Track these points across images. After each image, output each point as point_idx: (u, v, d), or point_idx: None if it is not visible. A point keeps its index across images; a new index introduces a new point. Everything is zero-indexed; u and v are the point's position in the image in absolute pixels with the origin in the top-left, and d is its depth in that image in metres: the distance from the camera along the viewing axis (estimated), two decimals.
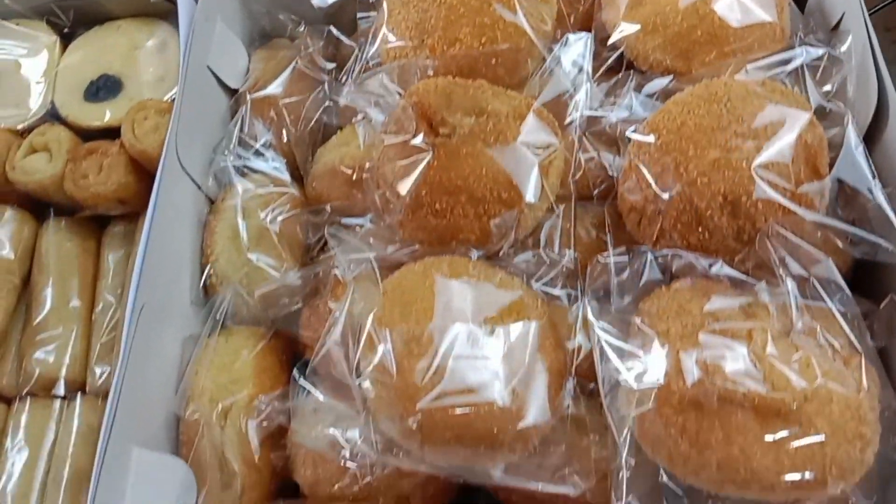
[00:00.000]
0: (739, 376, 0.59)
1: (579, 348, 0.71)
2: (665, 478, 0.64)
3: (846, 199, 0.70)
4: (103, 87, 0.91)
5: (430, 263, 0.70)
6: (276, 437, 0.76)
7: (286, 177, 0.85)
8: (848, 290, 0.64)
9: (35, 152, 0.88)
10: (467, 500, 0.75)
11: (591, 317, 0.66)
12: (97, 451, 0.66)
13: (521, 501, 0.72)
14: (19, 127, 0.91)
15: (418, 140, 0.72)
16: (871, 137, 0.73)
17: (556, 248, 0.75)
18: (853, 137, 0.69)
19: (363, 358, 0.67)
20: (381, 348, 0.65)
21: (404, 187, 0.72)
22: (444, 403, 0.63)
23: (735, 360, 0.60)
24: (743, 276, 0.66)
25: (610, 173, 0.77)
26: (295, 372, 0.72)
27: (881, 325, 0.66)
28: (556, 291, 0.73)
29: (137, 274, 0.73)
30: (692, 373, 0.60)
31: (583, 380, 0.71)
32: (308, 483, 0.74)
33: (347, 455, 0.69)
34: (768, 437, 0.59)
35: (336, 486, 0.72)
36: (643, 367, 0.62)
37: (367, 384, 0.66)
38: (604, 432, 0.69)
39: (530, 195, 0.70)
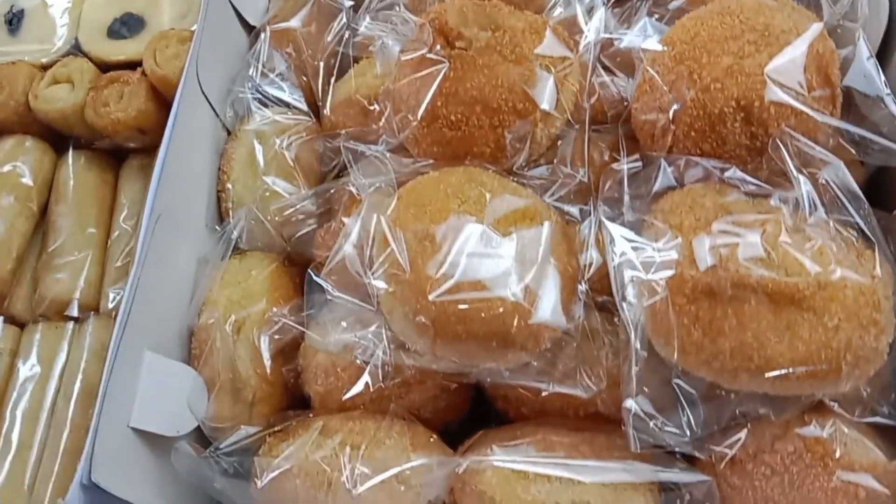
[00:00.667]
0: (753, 263, 0.59)
1: (591, 264, 0.72)
2: (677, 377, 0.64)
3: (857, 114, 0.71)
4: (126, 25, 0.93)
5: (445, 171, 0.71)
6: (289, 351, 0.77)
7: (303, 106, 0.87)
8: (859, 191, 0.65)
9: (58, 83, 0.90)
10: (478, 416, 0.75)
11: (602, 216, 0.67)
12: (109, 351, 0.67)
13: (531, 414, 0.71)
14: (43, 61, 0.93)
15: (435, 53, 0.73)
16: (881, 57, 0.73)
17: (570, 167, 0.75)
18: (864, 49, 0.70)
19: (377, 257, 0.67)
20: (394, 246, 0.66)
21: (421, 99, 0.73)
22: (456, 297, 0.63)
23: (748, 248, 0.60)
24: (756, 181, 0.67)
25: (623, 95, 0.78)
26: (310, 271, 0.72)
27: (893, 232, 0.66)
28: (569, 208, 0.74)
29: (155, 183, 0.74)
30: (705, 260, 0.60)
31: (595, 294, 0.72)
32: (319, 394, 0.74)
33: (360, 355, 0.69)
34: (782, 324, 0.59)
35: (347, 397, 0.72)
36: (655, 259, 0.62)
37: (380, 282, 0.66)
38: (616, 343, 0.69)
39: (545, 104, 0.71)
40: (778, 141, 0.66)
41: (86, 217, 0.88)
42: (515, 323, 0.63)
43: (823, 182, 0.64)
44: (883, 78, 0.69)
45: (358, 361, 0.70)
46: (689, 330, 0.60)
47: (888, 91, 0.69)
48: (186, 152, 0.80)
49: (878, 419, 0.62)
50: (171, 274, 0.76)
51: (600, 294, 0.71)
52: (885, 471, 0.61)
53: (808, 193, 0.64)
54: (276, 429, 0.72)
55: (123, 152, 0.93)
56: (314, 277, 0.70)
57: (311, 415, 0.73)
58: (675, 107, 0.69)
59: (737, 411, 0.63)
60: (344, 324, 0.71)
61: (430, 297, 0.63)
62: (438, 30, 0.74)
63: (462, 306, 0.63)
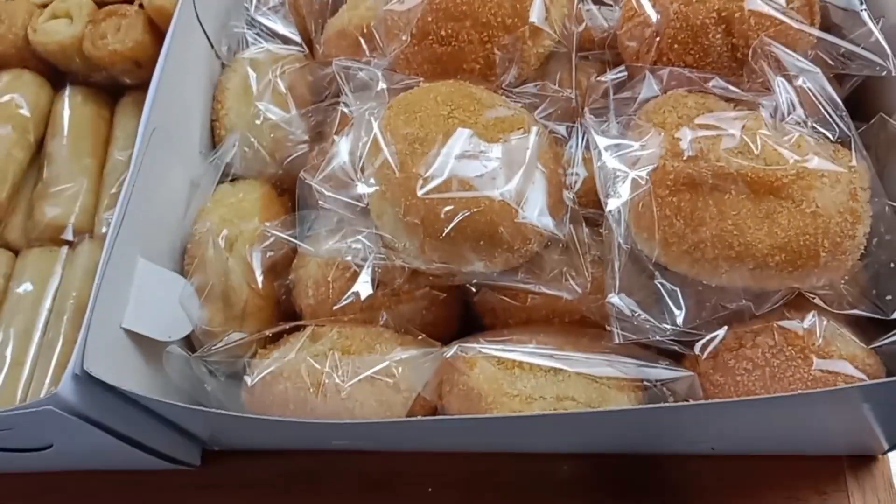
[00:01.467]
0: (733, 154, 0.61)
1: (577, 179, 0.74)
2: (660, 275, 0.66)
3: (836, 31, 0.73)
4: None
5: (435, 83, 0.73)
6: (281, 268, 0.78)
7: (298, 38, 0.88)
8: (837, 98, 0.67)
9: (56, 18, 0.92)
10: (468, 329, 0.76)
11: (587, 120, 0.69)
12: (102, 255, 0.68)
13: (518, 325, 0.72)
14: None
15: None
16: None
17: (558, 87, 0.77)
18: None
19: (368, 161, 0.69)
20: (385, 149, 0.67)
21: (412, 17, 0.74)
22: (445, 196, 0.64)
23: (729, 140, 0.62)
24: (738, 90, 0.69)
25: (610, 25, 0.80)
26: (301, 175, 0.73)
27: (870, 141, 0.68)
28: (556, 126, 0.75)
29: (149, 103, 0.75)
30: (687, 151, 0.62)
31: (581, 208, 0.73)
32: (310, 307, 0.75)
33: (351, 259, 0.70)
34: (761, 212, 0.60)
35: (337, 307, 0.73)
36: (639, 154, 0.64)
37: (370, 186, 0.68)
38: (603, 252, 0.71)
39: (534, 18, 0.73)
40: (758, 50, 0.68)
41: (82, 149, 0.89)
42: (503, 221, 0.65)
43: (802, 86, 0.66)
44: None
45: (351, 268, 0.71)
46: (671, 221, 0.62)
47: (864, 7, 0.71)
48: (180, 78, 0.81)
49: (856, 311, 0.64)
50: (164, 191, 0.77)
51: (586, 208, 0.73)
52: (863, 361, 0.62)
53: (787, 99, 0.66)
54: (266, 334, 0.73)
55: (120, 89, 0.95)
56: (306, 180, 0.71)
57: (301, 324, 0.74)
58: (659, 20, 0.71)
59: (718, 306, 0.65)
60: (334, 231, 0.72)
61: (419, 193, 0.65)
62: None
63: (449, 206, 0.64)
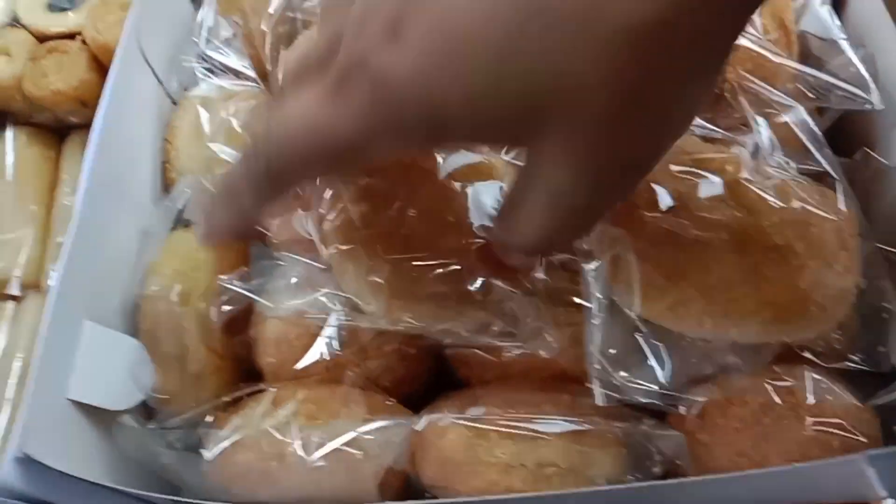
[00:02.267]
0: (714, 202, 0.58)
1: None
2: (642, 329, 0.62)
3: (815, 62, 0.70)
4: None
5: None
6: (239, 322, 0.73)
7: (252, 73, 0.84)
8: (820, 133, 0.63)
9: None
10: (439, 388, 0.72)
11: None
12: (42, 320, 0.63)
13: (494, 379, 0.68)
14: None
15: None
16: (836, 4, 0.73)
17: None
18: None
19: (328, 213, 0.64)
20: (347, 201, 0.63)
21: None
22: (410, 254, 0.61)
23: (709, 187, 0.58)
24: (715, 128, 0.65)
25: None
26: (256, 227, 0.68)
27: (854, 176, 0.65)
28: None
29: (92, 149, 0.70)
30: (665, 201, 0.58)
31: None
32: (271, 366, 0.70)
33: (313, 320, 0.66)
34: (746, 264, 0.57)
35: (300, 367, 0.68)
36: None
37: (332, 239, 0.63)
38: (580, 301, 0.67)
39: None
40: (735, 85, 0.64)
41: (26, 194, 0.84)
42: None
43: (782, 122, 0.63)
44: (838, 22, 0.68)
45: (312, 327, 0.67)
46: (651, 276, 0.58)
47: (844, 35, 0.68)
48: (127, 120, 0.77)
49: (848, 364, 0.61)
50: (112, 244, 0.72)
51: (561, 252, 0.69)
52: (857, 417, 0.59)
53: (767, 137, 0.63)
54: (225, 400, 0.68)
55: (66, 129, 0.90)
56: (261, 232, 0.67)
57: (262, 387, 0.69)
58: None
59: (705, 363, 0.62)
60: (295, 288, 0.68)
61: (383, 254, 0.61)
62: None
63: (417, 262, 0.60)
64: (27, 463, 0.58)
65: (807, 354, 0.61)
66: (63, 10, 0.89)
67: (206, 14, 0.85)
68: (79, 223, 0.67)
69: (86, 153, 0.70)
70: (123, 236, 0.75)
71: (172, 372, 0.70)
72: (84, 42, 0.83)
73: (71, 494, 0.62)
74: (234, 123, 0.80)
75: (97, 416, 0.65)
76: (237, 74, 0.84)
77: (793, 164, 0.61)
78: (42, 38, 0.88)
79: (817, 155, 0.61)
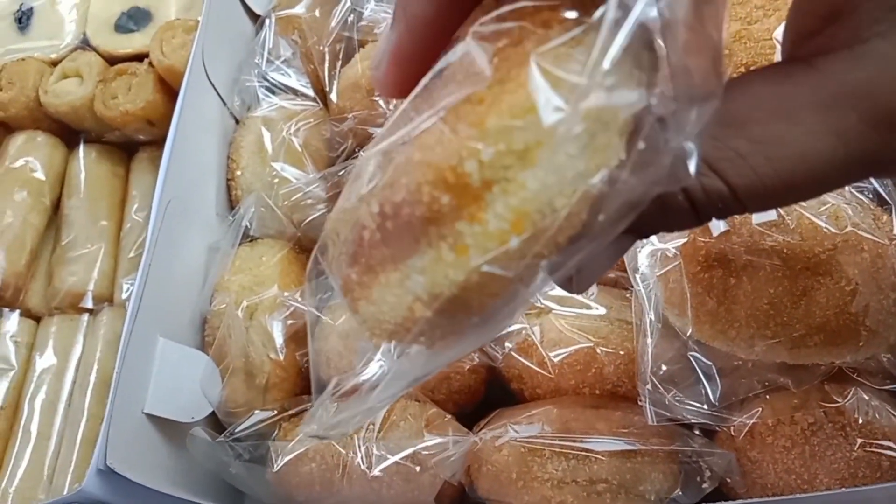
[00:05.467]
0: (767, 227, 0.58)
1: None
2: (693, 349, 0.63)
3: None
4: (132, 18, 0.94)
5: None
6: (302, 336, 0.76)
7: (310, 92, 0.86)
8: None
9: (67, 78, 0.91)
10: (493, 400, 0.74)
11: None
12: (122, 338, 0.67)
13: (546, 394, 0.70)
14: (52, 56, 0.93)
15: None
16: None
17: None
18: None
19: None
20: None
21: None
22: None
23: (762, 212, 0.59)
24: None
25: None
26: (315, 254, 0.71)
27: None
28: None
29: (164, 171, 0.74)
30: (718, 226, 0.59)
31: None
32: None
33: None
34: (798, 289, 0.58)
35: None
36: None
37: None
38: (630, 319, 0.68)
39: None
40: None
41: (98, 210, 0.89)
42: None
43: None
44: None
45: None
46: (703, 299, 0.59)
47: None
48: (194, 141, 0.80)
49: None
50: (182, 261, 0.76)
51: (613, 270, 0.71)
52: None
53: None
54: (290, 412, 0.71)
55: (134, 145, 0.94)
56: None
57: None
58: None
59: (755, 382, 0.63)
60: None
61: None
62: None
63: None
64: (109, 475, 0.62)
65: (857, 375, 0.61)
66: (130, 31, 0.93)
67: (267, 35, 0.88)
68: (153, 242, 0.70)
69: (159, 173, 0.73)
70: (192, 253, 0.79)
71: (239, 384, 0.74)
72: (150, 64, 0.87)
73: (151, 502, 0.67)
74: (295, 142, 0.83)
75: (172, 427, 0.69)
76: (296, 93, 0.87)
77: (847, 187, 0.61)
78: (110, 60, 0.92)
79: (872, 182, 0.61)
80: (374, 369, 0.43)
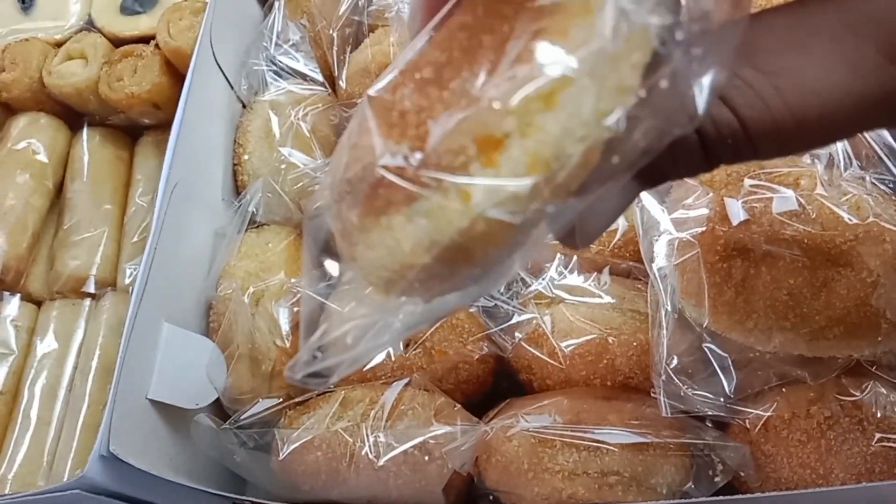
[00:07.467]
0: (787, 217, 0.57)
1: (617, 230, 0.70)
2: (708, 340, 0.62)
3: None
4: (139, 0, 0.92)
5: None
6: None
7: (319, 77, 0.85)
8: (895, 143, 0.62)
9: (71, 59, 0.89)
10: (501, 391, 0.73)
11: None
12: (126, 322, 0.65)
13: (556, 385, 0.69)
14: (57, 37, 0.92)
15: None
16: None
17: None
18: None
19: None
20: None
21: None
22: None
23: (783, 202, 0.58)
24: None
25: None
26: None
27: None
28: None
29: (170, 155, 0.72)
30: (738, 215, 0.58)
31: (621, 260, 0.70)
32: None
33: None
34: (818, 280, 0.57)
35: (367, 368, 0.70)
36: (686, 216, 0.60)
37: None
38: (643, 309, 0.67)
39: None
40: None
41: (101, 194, 0.87)
42: None
43: (859, 136, 0.62)
44: None
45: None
46: (721, 289, 0.58)
47: None
48: (201, 124, 0.79)
49: None
50: (188, 246, 0.75)
51: (626, 260, 0.70)
52: None
53: (842, 148, 0.62)
54: (296, 400, 0.70)
55: (138, 129, 0.92)
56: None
57: (331, 387, 0.71)
58: None
59: (771, 375, 0.62)
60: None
61: None
62: None
63: None
64: (111, 461, 0.61)
65: (875, 369, 0.60)
66: (136, 13, 0.92)
67: (275, 18, 0.86)
68: (158, 225, 0.69)
69: (165, 156, 0.72)
70: (199, 237, 0.77)
71: (244, 371, 0.72)
72: (157, 46, 0.85)
73: (151, 491, 0.65)
74: (303, 127, 0.81)
75: (175, 413, 0.68)
76: (304, 77, 0.86)
77: (868, 178, 0.60)
78: (115, 42, 0.90)
79: (892, 165, 0.60)
80: (362, 318, 0.43)
